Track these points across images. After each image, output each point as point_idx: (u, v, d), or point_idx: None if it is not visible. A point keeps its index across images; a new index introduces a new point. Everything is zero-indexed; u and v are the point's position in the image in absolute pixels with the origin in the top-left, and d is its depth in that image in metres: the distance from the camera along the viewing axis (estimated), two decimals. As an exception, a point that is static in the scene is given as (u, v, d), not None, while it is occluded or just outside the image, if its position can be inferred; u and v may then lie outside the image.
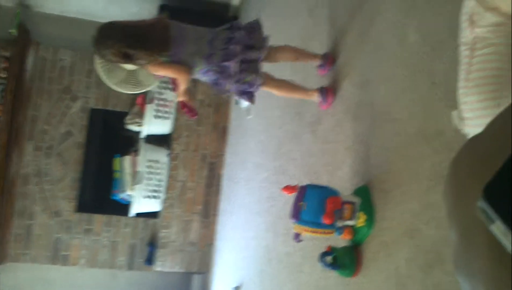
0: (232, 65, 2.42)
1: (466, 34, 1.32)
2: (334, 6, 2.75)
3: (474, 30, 1.30)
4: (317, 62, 2.68)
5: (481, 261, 0.58)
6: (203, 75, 2.51)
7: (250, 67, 2.47)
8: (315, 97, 2.61)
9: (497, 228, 0.53)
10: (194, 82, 4.71)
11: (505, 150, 0.57)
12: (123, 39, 2.36)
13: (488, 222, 0.54)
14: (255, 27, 2.55)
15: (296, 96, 2.75)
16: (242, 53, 2.44)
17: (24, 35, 4.48)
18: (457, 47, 1.71)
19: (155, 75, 2.63)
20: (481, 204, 0.54)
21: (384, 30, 2.18)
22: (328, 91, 2.58)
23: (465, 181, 0.65)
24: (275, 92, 2.71)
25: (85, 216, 4.73)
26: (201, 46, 2.45)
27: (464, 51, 1.34)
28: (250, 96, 2.57)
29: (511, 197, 0.52)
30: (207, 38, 2.47)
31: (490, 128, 0.68)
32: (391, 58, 2.09)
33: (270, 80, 2.61)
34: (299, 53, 2.72)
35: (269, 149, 3.44)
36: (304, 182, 2.76)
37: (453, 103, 1.68)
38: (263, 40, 2.53)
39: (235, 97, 3.13)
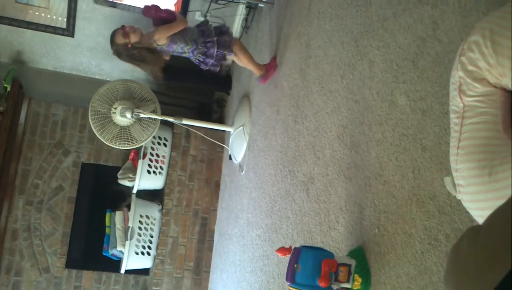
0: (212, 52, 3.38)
1: (456, 103, 1.34)
2: (325, 69, 2.81)
3: (464, 99, 1.32)
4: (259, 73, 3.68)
5: None
6: (191, 53, 3.39)
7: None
8: (260, 72, 3.60)
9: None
10: (187, 138, 4.75)
11: (507, 252, 0.58)
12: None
13: None
14: (223, 31, 3.44)
15: (250, 67, 3.63)
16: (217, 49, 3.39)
17: (17, 90, 4.52)
18: (446, 112, 1.75)
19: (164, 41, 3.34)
20: None
21: (374, 93, 2.23)
22: (270, 69, 3.57)
23: (468, 283, 0.65)
24: (238, 60, 3.61)
25: (74, 272, 4.63)
26: (188, 42, 3.36)
27: (454, 119, 1.36)
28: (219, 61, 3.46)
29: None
30: (193, 37, 3.38)
31: (492, 223, 0.69)
32: (381, 121, 2.13)
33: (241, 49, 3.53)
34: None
35: (261, 207, 3.43)
36: (298, 241, 2.75)
37: (444, 167, 1.71)
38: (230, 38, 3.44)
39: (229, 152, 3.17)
